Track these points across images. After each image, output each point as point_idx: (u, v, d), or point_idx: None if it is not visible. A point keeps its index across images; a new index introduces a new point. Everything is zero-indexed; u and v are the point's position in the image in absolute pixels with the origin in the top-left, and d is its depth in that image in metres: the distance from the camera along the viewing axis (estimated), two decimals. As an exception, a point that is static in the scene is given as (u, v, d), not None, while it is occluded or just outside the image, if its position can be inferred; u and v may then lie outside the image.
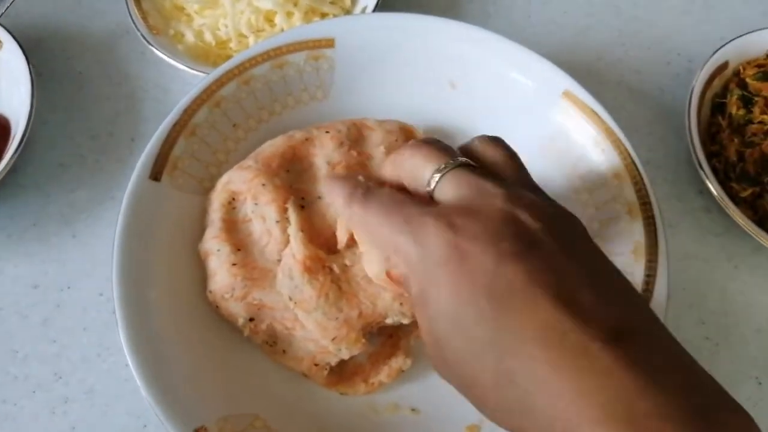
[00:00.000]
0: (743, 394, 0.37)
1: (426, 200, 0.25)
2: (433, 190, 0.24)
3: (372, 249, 0.27)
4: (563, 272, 0.21)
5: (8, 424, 0.35)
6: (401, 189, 0.26)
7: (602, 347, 0.19)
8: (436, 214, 0.23)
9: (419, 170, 0.25)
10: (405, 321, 0.32)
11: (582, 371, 0.19)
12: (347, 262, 0.33)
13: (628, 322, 0.20)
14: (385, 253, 0.25)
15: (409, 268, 0.23)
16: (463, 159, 0.25)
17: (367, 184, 0.27)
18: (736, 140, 0.41)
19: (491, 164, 0.26)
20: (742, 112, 0.41)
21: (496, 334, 0.20)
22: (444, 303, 0.22)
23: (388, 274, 0.27)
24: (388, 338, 0.35)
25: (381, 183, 0.27)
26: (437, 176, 0.24)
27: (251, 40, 0.46)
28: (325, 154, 0.36)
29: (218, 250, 0.33)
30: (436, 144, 0.26)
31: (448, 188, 0.24)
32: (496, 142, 0.27)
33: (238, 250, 0.34)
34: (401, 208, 0.24)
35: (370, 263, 0.28)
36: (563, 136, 0.37)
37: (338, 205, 0.27)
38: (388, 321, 0.32)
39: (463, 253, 0.21)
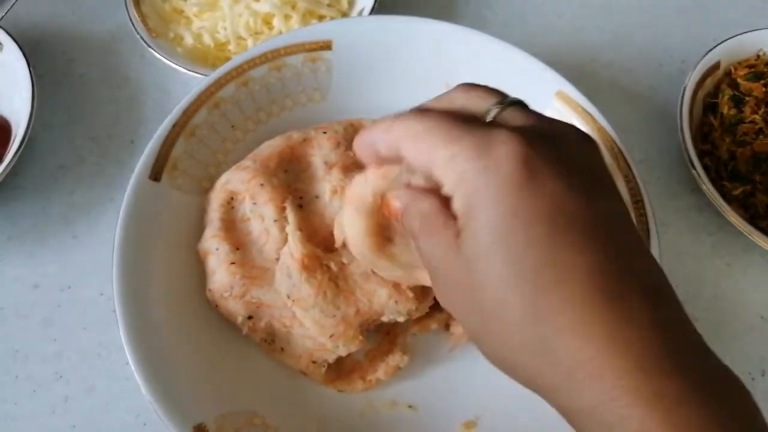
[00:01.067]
0: (736, 390, 0.37)
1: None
2: (494, 120, 0.23)
3: (359, 200, 0.26)
4: (618, 224, 0.21)
5: (9, 423, 0.36)
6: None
7: (641, 301, 0.19)
8: (511, 129, 0.21)
9: (477, 101, 0.23)
10: (401, 319, 0.33)
11: (617, 321, 0.19)
12: (344, 260, 0.33)
13: (658, 283, 0.21)
14: (431, 165, 0.22)
15: (460, 180, 0.21)
16: (519, 98, 0.24)
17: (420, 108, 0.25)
18: (727, 139, 0.41)
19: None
20: (733, 111, 0.42)
21: (542, 263, 0.20)
22: (497, 218, 0.20)
23: (384, 204, 0.25)
24: (385, 335, 0.36)
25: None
26: (496, 109, 0.23)
27: (250, 42, 0.47)
28: (322, 155, 0.37)
29: (217, 249, 0.34)
30: (484, 86, 0.24)
31: (515, 117, 0.22)
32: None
33: (237, 249, 0.34)
34: (464, 121, 0.22)
35: (352, 221, 0.27)
36: (557, 136, 0.38)
37: (381, 126, 0.24)
38: (385, 318, 0.33)
39: (533, 171, 0.20)
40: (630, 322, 0.19)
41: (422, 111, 0.23)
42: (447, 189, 0.22)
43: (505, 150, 0.20)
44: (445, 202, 0.22)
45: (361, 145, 0.26)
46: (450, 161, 0.21)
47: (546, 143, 0.21)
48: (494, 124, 0.22)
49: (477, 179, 0.21)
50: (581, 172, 0.21)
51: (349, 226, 0.28)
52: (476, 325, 0.22)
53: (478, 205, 0.21)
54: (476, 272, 0.21)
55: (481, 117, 0.23)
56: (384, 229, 0.28)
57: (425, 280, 0.28)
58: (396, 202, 0.25)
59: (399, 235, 0.28)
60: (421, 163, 0.23)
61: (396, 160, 0.24)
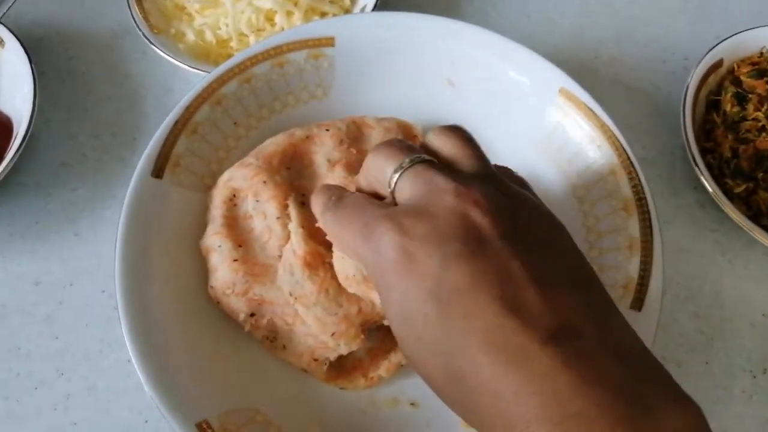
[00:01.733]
0: (738, 388, 0.37)
1: (391, 202, 0.25)
2: (394, 190, 0.25)
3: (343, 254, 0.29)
4: (507, 272, 0.21)
5: (11, 421, 0.36)
6: (373, 194, 0.27)
7: (540, 348, 0.19)
8: (389, 217, 0.23)
9: (382, 171, 0.25)
10: None
11: (520, 373, 0.19)
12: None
13: (572, 321, 0.20)
14: (352, 258, 0.27)
15: (368, 272, 0.24)
16: (423, 155, 0.25)
17: (341, 192, 0.27)
18: (730, 137, 0.41)
19: (448, 156, 0.25)
20: (736, 109, 0.42)
21: (442, 336, 0.21)
22: (396, 306, 0.22)
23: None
24: (387, 333, 0.36)
25: (359, 189, 0.28)
26: (396, 176, 0.24)
27: (252, 39, 0.47)
28: (325, 152, 0.37)
29: (219, 246, 0.34)
30: (398, 143, 0.26)
31: (406, 187, 0.24)
32: (451, 131, 0.26)
33: (239, 246, 0.34)
34: (362, 213, 0.24)
35: (342, 267, 0.29)
36: (560, 133, 0.38)
37: (317, 215, 0.28)
38: (385, 322, 0.33)
39: (410, 256, 0.22)
40: (530, 372, 0.19)
41: (339, 200, 0.26)
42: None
43: (385, 242, 0.22)
44: None
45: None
46: (357, 257, 0.25)
47: (420, 220, 0.22)
48: (390, 198, 0.25)
49: (374, 271, 0.23)
50: (459, 234, 0.21)
51: (339, 267, 0.30)
52: (428, 384, 0.24)
53: (383, 295, 0.23)
54: (404, 350, 0.23)
55: (386, 186, 0.25)
56: None
57: None
58: None
59: None
60: (348, 256, 0.28)
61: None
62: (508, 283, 0.21)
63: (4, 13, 0.45)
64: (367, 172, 0.27)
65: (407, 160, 0.24)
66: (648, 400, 0.19)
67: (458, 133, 0.26)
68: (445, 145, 0.25)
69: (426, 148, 0.26)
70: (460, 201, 0.22)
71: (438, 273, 0.21)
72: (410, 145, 0.26)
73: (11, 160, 0.39)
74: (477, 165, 0.25)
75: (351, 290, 0.31)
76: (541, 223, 0.24)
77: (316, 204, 0.28)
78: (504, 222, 0.22)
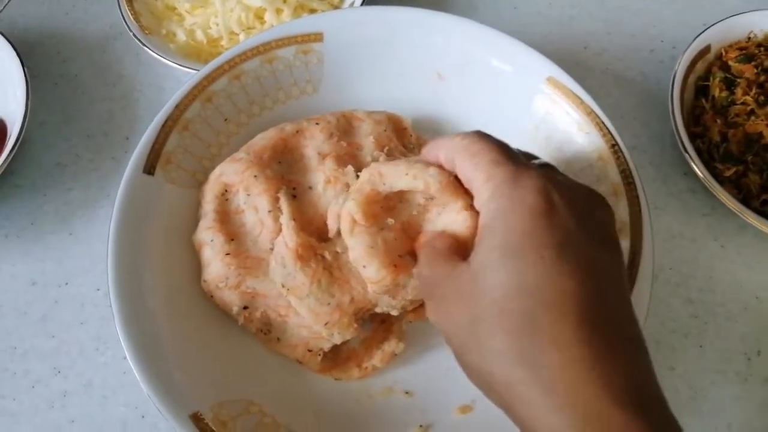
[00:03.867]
0: (733, 371, 0.37)
1: None
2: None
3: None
4: (611, 275, 0.24)
5: (8, 419, 0.36)
6: None
7: (621, 341, 0.22)
8: (542, 171, 0.25)
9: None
10: (394, 313, 0.33)
11: (602, 352, 0.21)
12: (338, 249, 0.33)
13: (638, 336, 0.23)
14: (474, 174, 0.26)
15: (491, 197, 0.24)
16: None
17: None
18: (719, 121, 0.41)
19: None
20: (724, 94, 0.42)
21: (544, 283, 0.22)
22: (514, 236, 0.23)
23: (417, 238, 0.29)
24: (380, 323, 0.36)
25: None
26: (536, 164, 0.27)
27: (242, 37, 0.47)
28: (315, 146, 0.37)
29: (212, 241, 0.34)
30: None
31: (546, 168, 0.27)
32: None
33: (232, 240, 0.34)
34: (509, 155, 0.26)
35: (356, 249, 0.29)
36: (549, 121, 0.38)
37: (452, 141, 0.28)
38: (379, 309, 0.33)
39: (553, 207, 0.23)
40: (611, 357, 0.21)
41: (482, 135, 0.27)
42: (478, 203, 0.26)
43: (532, 183, 0.24)
44: (456, 245, 0.27)
45: (430, 147, 0.30)
46: (487, 181, 0.25)
47: (565, 190, 0.25)
48: (531, 164, 0.26)
49: (504, 201, 0.24)
50: (592, 224, 0.24)
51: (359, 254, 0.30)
52: (464, 332, 0.24)
53: (500, 222, 0.24)
54: (482, 281, 0.23)
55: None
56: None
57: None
58: (421, 236, 0.29)
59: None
60: (465, 176, 0.27)
61: (449, 165, 0.28)
62: (611, 285, 0.23)
63: (-3, 18, 0.45)
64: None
65: (539, 159, 0.29)
66: None
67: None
68: None
69: None
70: (600, 203, 0.26)
71: (571, 233, 0.23)
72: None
73: (5, 161, 0.40)
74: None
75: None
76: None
77: (451, 135, 0.28)
78: (616, 240, 0.26)
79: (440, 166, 0.28)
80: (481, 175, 0.25)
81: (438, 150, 0.28)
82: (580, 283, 0.22)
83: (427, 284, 0.27)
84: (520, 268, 0.22)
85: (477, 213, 0.26)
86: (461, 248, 0.26)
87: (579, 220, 0.24)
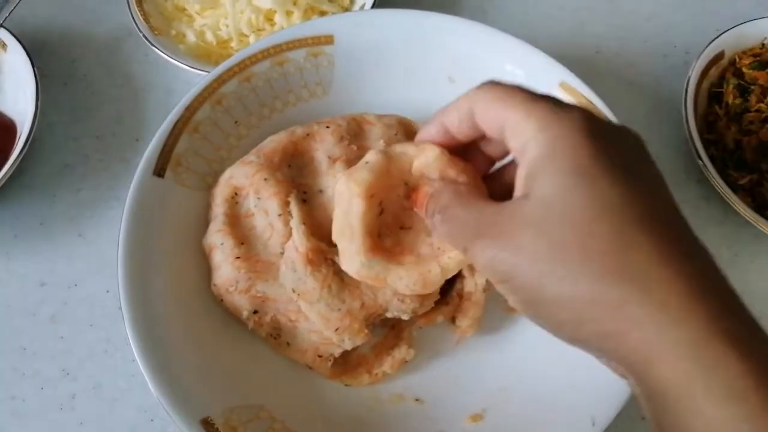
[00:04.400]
0: (745, 381, 0.37)
1: None
2: None
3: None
4: (676, 213, 0.23)
5: (17, 420, 0.36)
6: None
7: (707, 253, 0.22)
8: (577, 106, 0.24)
9: None
10: (405, 317, 0.33)
11: (701, 264, 0.21)
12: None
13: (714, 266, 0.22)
14: (498, 127, 0.24)
15: (538, 129, 0.23)
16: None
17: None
18: (733, 128, 0.41)
19: None
20: (738, 101, 0.42)
21: (629, 199, 0.21)
22: (581, 158, 0.22)
23: (413, 188, 0.28)
24: (390, 329, 0.36)
25: None
26: None
27: (252, 39, 0.47)
28: (325, 149, 0.37)
29: (222, 244, 0.34)
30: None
31: None
32: None
33: (242, 243, 0.34)
34: (535, 90, 0.24)
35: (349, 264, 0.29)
36: (561, 127, 0.37)
37: (456, 102, 0.26)
38: (389, 314, 0.33)
39: (603, 134, 0.22)
40: (708, 268, 0.21)
41: (497, 82, 0.25)
42: (520, 141, 0.23)
43: (577, 113, 0.23)
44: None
45: (433, 120, 0.27)
46: (528, 117, 0.23)
47: (607, 125, 0.24)
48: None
49: (557, 129, 0.22)
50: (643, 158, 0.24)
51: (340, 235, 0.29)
52: (542, 262, 0.22)
53: (561, 149, 0.22)
54: (559, 206, 0.22)
55: None
56: (376, 233, 0.29)
57: (446, 264, 0.29)
58: (427, 188, 0.27)
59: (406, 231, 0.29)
60: (493, 124, 0.24)
61: (466, 130, 0.26)
62: (674, 213, 0.23)
63: (6, 17, 0.45)
64: None
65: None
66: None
67: None
68: None
69: None
70: (638, 139, 0.25)
71: (631, 155, 0.23)
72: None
73: (15, 162, 0.39)
74: None
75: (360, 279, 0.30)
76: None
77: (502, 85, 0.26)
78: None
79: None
80: (517, 114, 0.23)
81: (448, 115, 0.26)
82: (659, 199, 0.22)
83: (470, 224, 0.24)
84: (598, 188, 0.21)
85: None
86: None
87: (626, 147, 0.23)
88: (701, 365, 0.19)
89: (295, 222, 0.33)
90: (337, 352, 0.33)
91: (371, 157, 0.28)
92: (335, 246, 0.34)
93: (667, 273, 0.20)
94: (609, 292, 0.21)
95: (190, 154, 0.36)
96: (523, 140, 0.23)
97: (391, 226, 0.29)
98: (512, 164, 0.27)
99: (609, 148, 0.22)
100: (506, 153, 0.27)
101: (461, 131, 0.26)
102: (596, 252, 0.21)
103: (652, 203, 0.22)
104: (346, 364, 0.34)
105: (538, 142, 0.23)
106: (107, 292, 0.40)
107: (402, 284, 0.29)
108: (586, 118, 0.23)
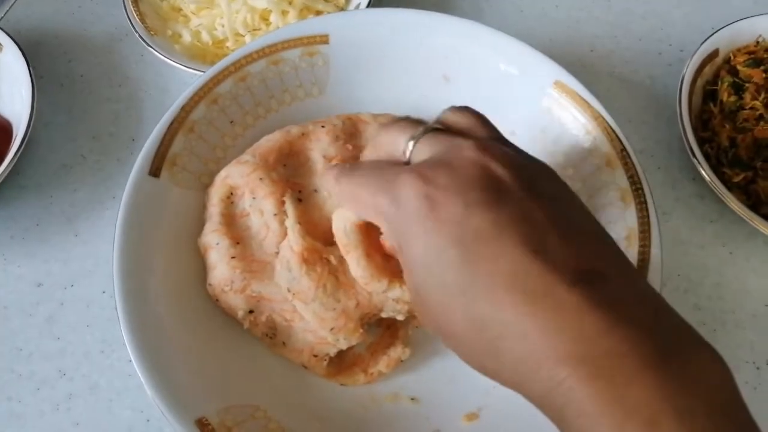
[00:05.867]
0: (741, 379, 0.37)
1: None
2: (410, 157, 0.25)
3: (341, 214, 0.29)
4: (530, 219, 0.21)
5: (13, 421, 0.36)
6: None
7: (568, 289, 0.20)
8: (410, 169, 0.24)
9: (395, 143, 0.26)
10: (400, 317, 0.33)
11: (546, 313, 0.20)
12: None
13: (596, 265, 0.21)
14: (369, 218, 0.26)
15: (388, 225, 0.24)
16: (436, 124, 0.26)
17: (354, 162, 0.28)
18: (727, 126, 0.41)
19: (461, 128, 0.26)
20: (733, 98, 0.42)
21: (465, 281, 0.21)
22: (418, 253, 0.22)
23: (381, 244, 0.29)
24: (386, 329, 0.36)
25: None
26: (411, 143, 0.25)
27: (247, 39, 0.47)
28: (321, 149, 0.37)
29: (217, 244, 0.34)
30: (408, 118, 0.27)
31: (425, 149, 0.25)
32: (464, 109, 0.27)
33: (237, 243, 0.34)
34: (382, 170, 0.25)
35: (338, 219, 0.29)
36: (555, 126, 0.38)
37: (330, 186, 0.28)
38: (384, 314, 0.33)
39: (433, 203, 0.22)
40: (556, 312, 0.20)
41: (353, 167, 0.27)
42: (384, 236, 0.26)
43: (407, 192, 0.23)
44: None
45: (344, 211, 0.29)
46: (376, 213, 0.25)
47: (442, 171, 0.23)
48: (406, 165, 0.25)
49: (394, 223, 0.24)
50: (480, 184, 0.22)
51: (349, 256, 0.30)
52: (441, 336, 0.24)
53: (402, 243, 0.23)
54: (423, 299, 0.23)
55: (401, 156, 0.26)
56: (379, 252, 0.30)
57: None
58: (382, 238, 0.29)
59: None
60: (364, 216, 0.27)
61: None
62: (532, 228, 0.21)
63: (2, 17, 0.45)
64: (378, 147, 0.27)
65: (421, 129, 0.25)
66: (675, 341, 0.20)
67: (470, 110, 0.27)
68: (458, 118, 0.26)
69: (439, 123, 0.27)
70: (481, 154, 0.23)
71: (462, 219, 0.21)
72: (420, 119, 0.27)
73: (10, 162, 0.39)
74: (492, 133, 0.26)
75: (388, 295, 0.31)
76: (555, 182, 0.25)
77: (330, 174, 0.28)
78: (523, 175, 0.23)
79: None
80: (372, 214, 0.25)
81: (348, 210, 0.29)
82: (494, 260, 0.21)
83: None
84: (439, 279, 0.22)
85: None
86: None
87: (464, 194, 0.22)
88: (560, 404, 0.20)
89: (291, 221, 0.33)
90: (333, 351, 0.33)
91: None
92: (330, 245, 0.34)
93: (511, 344, 0.21)
94: (485, 367, 0.23)
95: (185, 154, 0.36)
96: (384, 234, 0.26)
97: None
98: None
99: (439, 214, 0.22)
100: None
101: None
102: (464, 338, 0.22)
103: (493, 268, 0.21)
104: (341, 363, 0.34)
105: (390, 238, 0.25)
106: (103, 292, 0.40)
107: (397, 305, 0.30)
108: (412, 197, 0.23)
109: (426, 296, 0.23)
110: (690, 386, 0.18)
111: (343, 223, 0.29)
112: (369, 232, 0.30)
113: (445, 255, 0.21)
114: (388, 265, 0.30)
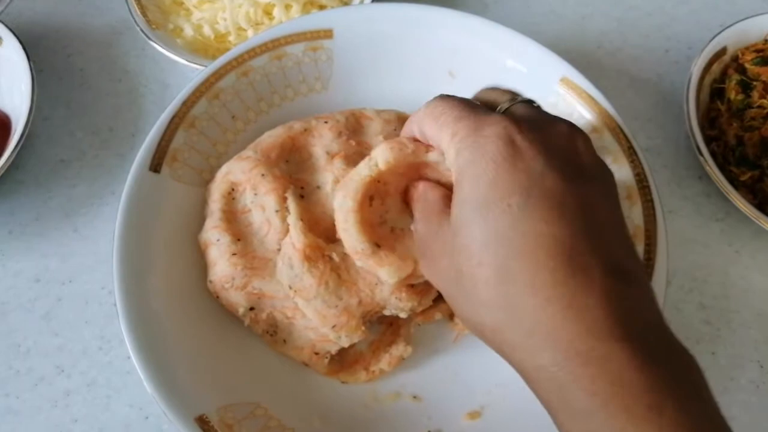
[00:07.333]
0: (745, 378, 0.36)
1: None
2: (504, 111, 0.26)
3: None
4: (591, 207, 0.23)
5: (11, 417, 0.36)
6: None
7: (603, 275, 0.21)
8: (504, 115, 0.25)
9: (497, 100, 0.27)
10: (403, 315, 0.32)
11: (576, 288, 0.21)
12: (346, 250, 0.33)
13: (628, 265, 0.23)
14: (439, 140, 0.26)
15: (457, 153, 0.25)
16: (531, 99, 0.28)
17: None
18: (735, 124, 0.41)
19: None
20: (740, 96, 0.41)
21: (514, 231, 0.22)
22: (479, 189, 0.23)
23: (408, 189, 0.30)
24: (388, 326, 0.35)
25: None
26: (507, 104, 0.27)
27: (250, 33, 0.46)
28: (324, 144, 0.36)
29: (218, 240, 0.33)
30: (508, 89, 0.29)
31: (519, 109, 0.26)
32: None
33: (238, 240, 0.34)
34: (476, 107, 0.26)
35: (351, 240, 0.30)
36: (562, 123, 0.37)
37: (420, 111, 0.28)
38: (387, 312, 0.32)
39: (515, 149, 0.23)
40: (588, 291, 0.21)
41: (443, 97, 0.27)
42: (449, 162, 0.25)
43: (494, 130, 0.24)
44: (449, 195, 0.26)
45: (405, 129, 0.30)
46: (452, 138, 0.25)
47: (534, 129, 0.24)
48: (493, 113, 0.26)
49: (467, 154, 0.24)
50: (564, 157, 0.24)
51: (340, 210, 0.30)
52: (452, 286, 0.25)
53: (465, 177, 0.24)
54: (460, 237, 0.24)
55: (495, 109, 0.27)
56: (373, 224, 0.30)
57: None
58: (413, 190, 0.29)
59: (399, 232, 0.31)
60: (434, 140, 0.27)
61: (423, 137, 0.28)
62: (591, 216, 0.23)
63: (2, 11, 0.45)
64: (475, 97, 0.29)
65: (522, 97, 0.27)
66: (661, 343, 0.22)
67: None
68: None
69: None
70: (574, 134, 0.25)
71: (537, 176, 0.23)
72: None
73: (9, 157, 0.39)
74: None
75: (359, 264, 0.31)
76: (614, 188, 0.27)
77: (420, 109, 0.28)
78: (600, 173, 0.25)
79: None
80: (446, 135, 0.25)
81: (411, 126, 0.29)
82: (551, 224, 0.22)
83: (421, 241, 0.28)
84: (489, 219, 0.22)
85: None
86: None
87: (548, 157, 0.23)
88: (562, 381, 0.21)
89: (293, 218, 0.33)
90: (334, 349, 0.33)
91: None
92: (332, 242, 0.33)
93: (534, 303, 0.22)
94: (491, 318, 0.23)
95: (186, 150, 0.36)
96: (449, 162, 0.26)
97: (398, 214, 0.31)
98: None
99: (516, 170, 0.23)
100: None
101: (420, 137, 0.29)
102: (483, 282, 0.23)
103: (545, 229, 0.22)
104: (343, 361, 0.34)
105: (456, 167, 0.25)
106: (102, 288, 0.39)
107: (384, 273, 0.30)
108: (499, 137, 0.23)
109: (463, 232, 0.23)
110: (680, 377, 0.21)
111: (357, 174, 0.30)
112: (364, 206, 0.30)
113: (507, 201, 0.22)
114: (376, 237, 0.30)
